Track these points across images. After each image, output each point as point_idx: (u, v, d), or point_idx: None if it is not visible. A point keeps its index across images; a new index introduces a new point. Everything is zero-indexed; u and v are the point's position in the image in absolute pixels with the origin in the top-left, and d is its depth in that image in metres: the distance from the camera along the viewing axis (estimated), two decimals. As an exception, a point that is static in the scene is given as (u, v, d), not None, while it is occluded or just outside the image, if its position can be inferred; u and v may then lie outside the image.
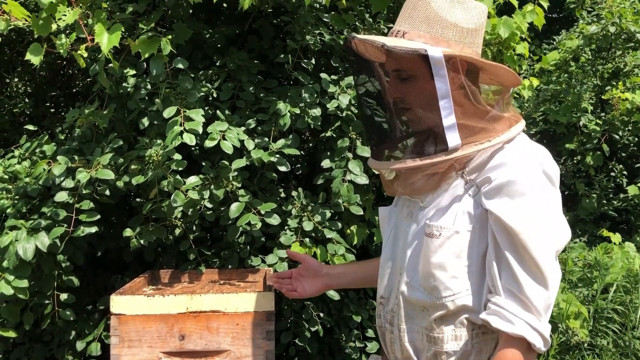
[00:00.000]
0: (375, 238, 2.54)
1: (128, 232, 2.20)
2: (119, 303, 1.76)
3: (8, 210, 2.26)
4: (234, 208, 2.18)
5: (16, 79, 3.00)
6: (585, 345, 2.98)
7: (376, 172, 1.78)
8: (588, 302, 3.24)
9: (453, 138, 1.25)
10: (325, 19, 2.64)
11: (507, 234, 1.22)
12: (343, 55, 2.70)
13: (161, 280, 2.29)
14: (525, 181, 1.21)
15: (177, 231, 2.36)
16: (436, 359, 1.37)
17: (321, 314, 2.69)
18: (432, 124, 1.27)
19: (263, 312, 1.80)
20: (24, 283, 2.05)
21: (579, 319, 2.94)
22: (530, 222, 1.20)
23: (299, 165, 2.78)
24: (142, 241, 2.19)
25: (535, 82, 2.83)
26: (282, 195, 2.64)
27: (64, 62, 3.08)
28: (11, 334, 2.19)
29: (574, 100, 4.42)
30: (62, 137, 2.52)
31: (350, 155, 2.36)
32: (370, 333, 2.90)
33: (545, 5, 2.75)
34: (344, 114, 2.41)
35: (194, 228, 2.43)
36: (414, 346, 1.40)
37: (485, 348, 1.37)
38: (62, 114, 2.99)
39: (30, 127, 2.54)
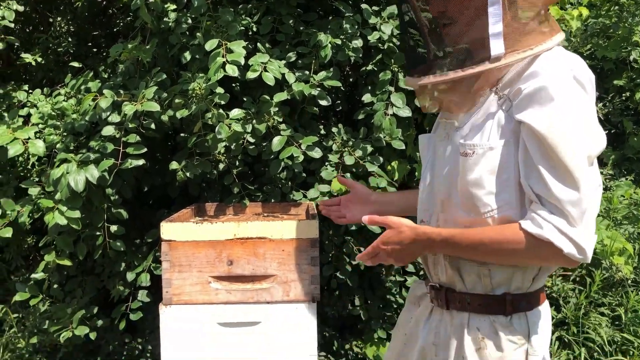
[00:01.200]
0: (416, 174, 2.54)
1: (174, 164, 2.24)
2: (168, 230, 1.82)
3: (58, 146, 2.33)
4: (276, 141, 2.19)
5: (59, 18, 3.02)
6: (629, 281, 2.95)
7: (418, 105, 1.75)
8: (633, 239, 3.20)
9: (497, 46, 1.25)
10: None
11: (537, 140, 1.21)
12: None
13: (207, 213, 2.35)
14: (555, 87, 1.20)
15: (221, 166, 2.40)
16: (481, 278, 1.39)
17: (362, 248, 2.72)
18: (478, 31, 1.26)
19: (308, 239, 1.84)
20: (76, 214, 2.12)
21: (624, 256, 2.90)
22: (559, 127, 1.19)
23: (339, 102, 2.76)
24: (187, 174, 2.24)
25: (585, 12, 2.70)
26: (323, 132, 2.64)
27: (104, 1, 3.09)
28: (66, 262, 2.29)
29: (624, 34, 4.22)
30: (106, 75, 2.55)
31: (392, 88, 2.33)
32: (410, 268, 2.93)
33: None
34: (385, 46, 2.37)
35: (237, 163, 2.46)
36: (457, 267, 1.41)
37: (527, 267, 1.38)
38: (104, 53, 3.02)
39: (75, 64, 2.58)
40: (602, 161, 4.13)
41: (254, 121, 2.22)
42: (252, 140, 2.29)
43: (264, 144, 2.35)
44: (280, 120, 2.27)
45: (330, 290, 2.89)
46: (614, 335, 2.79)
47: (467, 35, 1.28)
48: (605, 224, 3.15)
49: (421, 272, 2.93)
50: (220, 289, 1.83)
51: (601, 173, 3.82)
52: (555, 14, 2.70)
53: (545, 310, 1.43)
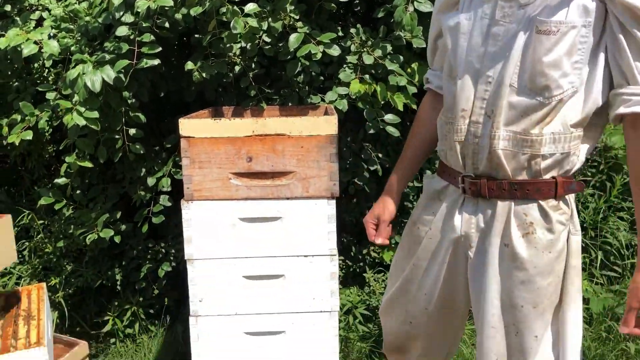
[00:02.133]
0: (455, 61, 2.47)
1: (190, 65, 2.21)
2: (187, 126, 1.81)
3: (72, 49, 2.30)
4: (293, 39, 2.14)
5: None
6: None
7: None
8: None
9: None
10: None
11: (637, 19, 1.18)
12: None
13: (224, 115, 2.33)
14: None
15: (237, 68, 2.36)
16: (529, 164, 1.37)
17: (380, 155, 2.71)
18: None
19: (326, 136, 1.82)
20: (95, 114, 2.12)
21: (645, 161, 2.87)
22: None
23: (358, 1, 2.67)
24: (203, 74, 2.20)
25: None
26: (341, 33, 2.56)
27: None
28: (87, 164, 2.31)
29: None
30: (117, -23, 2.48)
31: (413, -17, 2.23)
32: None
33: None
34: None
35: (253, 65, 2.42)
36: (506, 153, 1.39)
37: (578, 149, 1.36)
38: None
39: (85, -35, 2.50)
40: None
41: (270, 19, 2.16)
42: (268, 40, 2.24)
43: (280, 45, 2.30)
44: (297, 18, 2.20)
45: (348, 197, 2.91)
46: (631, 239, 2.80)
47: None
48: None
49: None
50: (240, 185, 1.85)
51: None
52: None
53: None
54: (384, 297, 1.92)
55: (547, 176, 1.39)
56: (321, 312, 1.93)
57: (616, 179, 2.85)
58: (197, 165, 1.82)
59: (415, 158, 1.72)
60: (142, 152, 2.37)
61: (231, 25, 2.03)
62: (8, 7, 2.53)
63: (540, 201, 1.39)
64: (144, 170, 2.57)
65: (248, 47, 2.19)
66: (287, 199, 1.86)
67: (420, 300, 1.72)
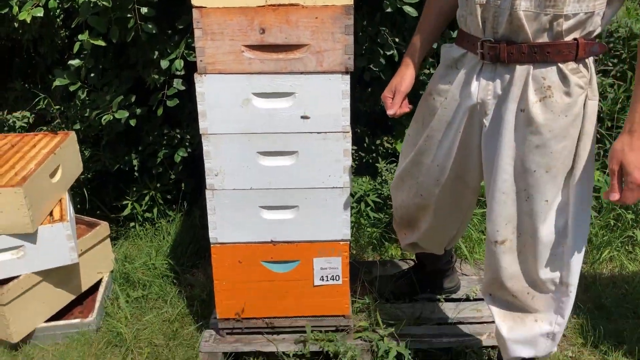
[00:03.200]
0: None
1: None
2: (199, -5, 1.77)
3: None
4: None
5: None
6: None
7: None
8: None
9: None
10: None
11: None
12: None
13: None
14: None
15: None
16: (551, 25, 1.34)
17: (396, 39, 2.65)
18: None
19: (342, 6, 1.77)
20: (105, -11, 2.08)
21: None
22: None
23: None
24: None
25: None
26: None
27: None
28: (100, 42, 2.30)
29: None
30: None
31: None
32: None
33: None
34: None
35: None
36: (527, 14, 1.36)
37: (601, 9, 1.33)
38: None
39: None
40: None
41: None
42: None
43: None
44: None
45: (363, 85, 2.88)
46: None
47: None
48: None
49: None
50: (254, 58, 1.82)
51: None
52: None
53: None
54: (396, 172, 1.94)
55: (569, 38, 1.36)
56: (334, 188, 1.96)
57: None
58: (209, 37, 1.79)
59: (437, 23, 1.71)
60: (154, 31, 2.33)
61: None
62: None
63: (559, 64, 1.39)
64: (156, 52, 2.55)
65: None
66: (301, 73, 1.84)
67: (433, 172, 1.75)
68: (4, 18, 2.67)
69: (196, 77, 1.84)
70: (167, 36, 2.60)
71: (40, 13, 2.23)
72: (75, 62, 2.49)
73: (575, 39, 1.37)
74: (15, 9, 2.41)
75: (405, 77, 1.76)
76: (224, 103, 1.86)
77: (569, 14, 1.33)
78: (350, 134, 1.91)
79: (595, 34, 1.39)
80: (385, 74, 2.72)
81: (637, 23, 2.79)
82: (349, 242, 2.03)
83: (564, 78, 1.40)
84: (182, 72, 2.54)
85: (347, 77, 1.85)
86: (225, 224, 1.99)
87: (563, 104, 1.41)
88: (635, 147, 1.27)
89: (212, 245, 2.02)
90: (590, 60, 1.42)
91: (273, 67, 1.83)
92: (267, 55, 1.82)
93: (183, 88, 2.56)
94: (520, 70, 1.42)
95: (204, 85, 1.84)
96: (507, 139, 1.49)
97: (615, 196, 1.33)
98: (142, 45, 2.50)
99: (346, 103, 1.87)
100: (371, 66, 2.70)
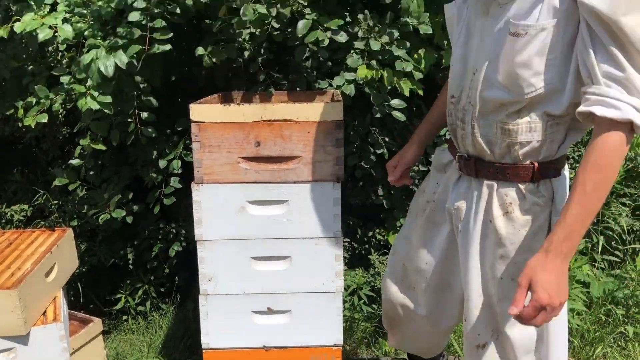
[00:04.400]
0: (443, 61, 2.51)
1: (200, 50, 2.26)
2: (197, 111, 1.87)
3: (85, 33, 2.35)
4: (301, 25, 2.18)
5: None
6: (653, 173, 2.97)
7: None
8: (661, 133, 3.17)
9: None
10: None
11: (603, 23, 1.20)
12: None
13: (234, 101, 2.39)
14: None
15: (246, 54, 2.41)
16: (509, 150, 1.44)
17: (386, 139, 2.76)
18: None
19: (332, 121, 1.87)
20: (108, 98, 2.18)
21: (650, 148, 2.90)
22: (626, 8, 1.17)
23: (366, -13, 2.69)
24: (213, 59, 2.25)
25: None
26: (348, 19, 2.59)
27: None
28: (101, 146, 2.38)
29: None
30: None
31: (420, -29, 2.26)
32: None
33: None
34: None
35: (262, 51, 2.46)
36: (487, 140, 1.46)
37: (556, 138, 1.42)
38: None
39: (98, -50, 2.54)
40: None
41: (279, 5, 2.19)
42: (276, 25, 2.28)
43: (288, 30, 2.34)
44: (305, 4, 2.24)
45: (355, 180, 2.96)
46: (633, 224, 2.84)
47: None
48: None
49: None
50: (249, 169, 1.90)
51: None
52: None
53: (566, 176, 1.54)
54: (387, 265, 1.99)
55: (527, 161, 1.46)
56: (326, 292, 1.99)
57: (620, 165, 2.88)
58: (207, 150, 1.88)
59: (439, 116, 1.82)
60: (154, 135, 2.43)
61: (241, 12, 2.07)
62: (23, -8, 2.58)
63: (518, 184, 1.48)
64: (155, 152, 2.64)
65: (257, 32, 2.23)
66: (294, 182, 1.92)
67: (422, 269, 1.80)
68: (8, 118, 2.77)
69: (193, 186, 1.91)
70: (165, 137, 2.70)
71: (44, 119, 2.33)
72: (75, 161, 2.56)
73: (532, 163, 1.45)
74: (21, 111, 2.51)
75: (409, 153, 1.86)
76: (220, 211, 1.92)
77: (523, 142, 1.43)
78: (342, 239, 1.96)
79: (553, 158, 1.47)
80: (375, 170, 2.81)
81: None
82: (341, 347, 2.04)
83: (522, 197, 1.48)
84: (180, 171, 2.62)
85: (338, 186, 1.92)
86: (218, 329, 2.01)
87: (523, 219, 1.48)
88: (547, 268, 1.28)
89: (204, 351, 2.03)
90: (554, 181, 1.49)
91: (267, 177, 1.91)
92: (262, 166, 1.90)
93: (180, 186, 2.63)
94: (488, 185, 1.52)
95: (200, 194, 1.91)
96: (476, 247, 1.56)
97: (514, 310, 1.30)
98: (141, 146, 2.59)
99: (337, 210, 1.94)
100: (362, 163, 2.79)
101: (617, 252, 2.85)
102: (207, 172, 1.90)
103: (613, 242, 2.83)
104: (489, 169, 1.50)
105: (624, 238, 2.81)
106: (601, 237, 2.81)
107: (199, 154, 1.89)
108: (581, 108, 1.27)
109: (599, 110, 1.22)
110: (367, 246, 3.11)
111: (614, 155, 1.23)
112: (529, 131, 1.41)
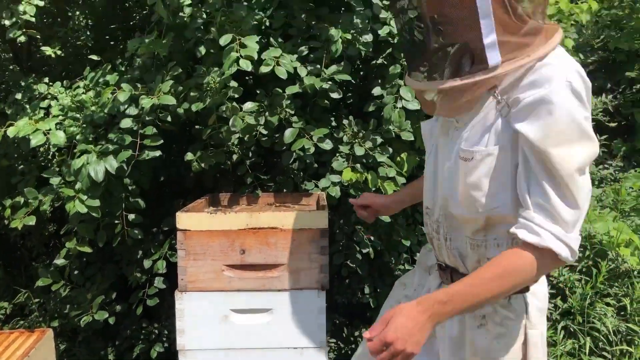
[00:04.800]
0: (425, 166, 2.58)
1: (189, 156, 2.32)
2: (184, 219, 1.90)
3: (77, 137, 2.41)
4: (288, 133, 2.26)
5: (77, 12, 3.10)
6: (635, 272, 2.99)
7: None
8: (640, 231, 3.23)
9: (493, 56, 1.26)
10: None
11: (535, 152, 1.26)
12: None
13: (221, 203, 2.42)
14: (552, 101, 1.23)
15: (235, 157, 2.47)
16: (480, 264, 1.47)
17: (372, 237, 2.79)
18: (473, 42, 1.27)
19: (317, 229, 1.90)
20: (96, 202, 2.21)
21: (630, 247, 2.94)
22: (557, 141, 1.23)
23: (350, 95, 2.82)
24: (202, 165, 2.31)
25: (595, 5, 2.73)
26: (334, 124, 2.70)
27: (121, -5, 3.16)
28: (86, 249, 2.38)
29: (637, 26, 4.22)
30: (123, 68, 2.62)
31: (401, 82, 2.37)
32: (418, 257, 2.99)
33: None
34: (395, 40, 2.42)
35: (250, 154, 2.53)
36: (459, 252, 1.50)
37: None
38: (121, 46, 3.09)
39: (94, 57, 2.65)
40: (611, 153, 4.15)
41: (267, 113, 2.28)
42: (264, 132, 2.35)
43: (276, 136, 2.42)
44: (292, 112, 2.33)
45: (341, 279, 2.96)
46: (619, 325, 2.83)
47: (465, 43, 1.29)
48: (612, 216, 3.18)
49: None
50: (233, 277, 1.91)
51: (610, 165, 3.84)
52: (565, 7, 2.73)
53: (541, 287, 1.53)
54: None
55: None
56: (310, 403, 1.95)
57: (602, 264, 2.91)
58: (191, 257, 1.89)
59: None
60: (140, 237, 2.44)
61: (230, 122, 2.15)
62: (19, 96, 2.66)
63: None
64: (140, 252, 2.64)
65: (246, 139, 2.30)
66: (278, 290, 1.92)
67: None
68: (-5, 215, 2.77)
69: (177, 294, 1.91)
70: (152, 235, 2.71)
71: (32, 222, 2.34)
72: (60, 262, 2.55)
73: None
74: (8, 211, 2.53)
75: (385, 200, 1.87)
76: (203, 320, 1.91)
77: (491, 256, 1.42)
78: (326, 349, 1.94)
79: None
80: (362, 269, 2.82)
81: (593, 223, 2.99)
82: None
83: (494, 311, 1.48)
84: (165, 271, 2.61)
85: (323, 294, 1.93)
86: None
87: (496, 332, 1.48)
88: (409, 315, 1.28)
89: None
90: (525, 295, 1.49)
91: (251, 285, 1.91)
92: (247, 274, 1.91)
93: (164, 287, 2.62)
94: None
95: (183, 302, 1.90)
96: (449, 349, 1.56)
97: (367, 334, 1.30)
98: (127, 245, 2.60)
99: (322, 319, 1.93)
100: (348, 262, 2.80)
101: (604, 354, 2.82)
102: (192, 279, 1.91)
103: (600, 343, 2.81)
104: None
105: (611, 339, 2.79)
106: (588, 338, 2.79)
107: (184, 261, 1.90)
108: (511, 229, 1.31)
109: (522, 234, 1.27)
110: (353, 346, 3.06)
111: (520, 272, 1.28)
112: (496, 247, 1.43)
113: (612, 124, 3.84)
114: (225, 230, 1.89)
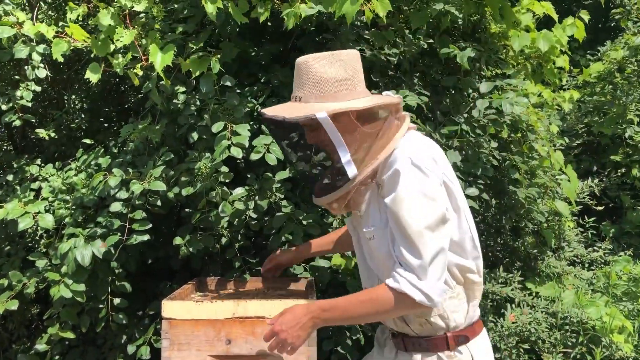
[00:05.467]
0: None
1: (178, 240, 2.31)
2: (169, 308, 1.86)
3: (66, 220, 2.41)
4: (277, 219, 2.26)
5: (73, 96, 3.17)
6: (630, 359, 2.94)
7: None
8: (633, 316, 3.19)
9: (351, 170, 1.59)
10: (366, 36, 2.71)
11: (391, 215, 1.56)
12: (383, 71, 2.77)
13: (208, 287, 2.39)
14: (398, 176, 1.55)
15: (224, 240, 2.47)
16: (422, 326, 1.68)
17: (362, 323, 2.74)
18: (336, 163, 1.64)
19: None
20: (82, 287, 2.18)
21: (624, 334, 2.90)
22: (403, 205, 1.53)
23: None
24: (190, 249, 2.30)
25: (576, 94, 2.83)
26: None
27: (117, 79, 3.25)
28: (69, 335, 2.33)
29: (619, 112, 4.36)
30: (116, 151, 2.66)
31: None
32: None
33: (586, 18, 2.76)
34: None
35: (239, 237, 2.53)
36: (403, 317, 1.70)
37: (459, 309, 1.68)
38: (115, 128, 3.15)
39: (87, 141, 2.70)
40: (600, 235, 4.18)
41: (257, 197, 2.30)
42: (254, 215, 2.36)
43: (265, 219, 2.42)
44: (282, 196, 2.35)
45: (331, 365, 2.88)
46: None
47: (331, 164, 1.70)
48: (604, 300, 3.16)
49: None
50: (219, 367, 1.86)
51: (599, 248, 3.85)
52: (549, 97, 2.83)
53: (483, 337, 1.77)
54: None
55: (440, 333, 1.68)
56: None
57: (596, 352, 2.86)
58: (176, 347, 1.84)
59: (332, 242, 2.17)
60: (125, 322, 2.39)
61: (219, 208, 2.16)
62: (10, 177, 2.67)
63: (438, 353, 1.68)
64: (125, 337, 2.57)
65: (235, 222, 2.31)
66: (265, 381, 1.86)
67: None
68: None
69: (160, 385, 1.84)
70: (137, 319, 2.65)
71: (14, 306, 2.30)
72: (41, 347, 2.48)
73: (445, 334, 1.67)
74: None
75: (284, 256, 2.18)
76: (186, 414, 1.83)
77: (429, 319, 1.66)
78: None
79: (462, 327, 1.69)
80: (352, 355, 2.75)
81: (585, 308, 2.96)
82: None
83: None
84: (149, 357, 2.53)
85: (311, 387, 1.86)
86: None
87: None
88: (296, 313, 1.62)
89: None
90: (469, 345, 1.68)
91: (237, 376, 1.86)
92: (231, 365, 1.86)
93: (147, 374, 2.53)
94: (416, 357, 1.70)
95: (167, 395, 1.83)
96: None
97: (268, 320, 1.69)
98: (110, 330, 2.54)
99: (309, 411, 1.86)
100: (338, 348, 2.74)
101: None
102: (175, 370, 1.85)
103: None
104: (412, 343, 1.71)
105: None
106: None
107: (168, 352, 1.84)
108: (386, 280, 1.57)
109: (389, 282, 1.55)
110: None
111: (385, 303, 1.55)
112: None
113: (600, 207, 3.88)
114: (211, 319, 1.85)
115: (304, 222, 2.30)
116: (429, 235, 1.53)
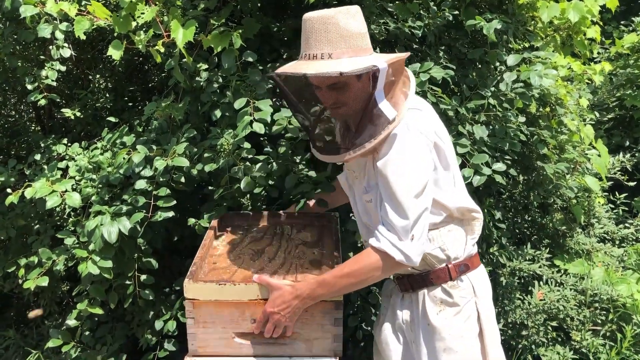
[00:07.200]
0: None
1: (191, 221, 2.31)
2: (192, 289, 1.84)
3: (93, 198, 2.43)
4: (289, 180, 2.31)
5: (97, 76, 3.19)
6: (662, 337, 2.88)
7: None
8: (666, 294, 3.12)
9: (391, 112, 1.65)
10: (389, 9, 2.66)
11: (381, 177, 1.66)
12: (408, 44, 2.71)
13: (231, 226, 2.35)
14: (394, 139, 1.64)
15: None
16: (424, 261, 1.84)
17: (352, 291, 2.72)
18: (371, 112, 1.65)
19: (332, 302, 1.83)
20: (109, 264, 2.21)
21: (655, 311, 2.84)
22: (393, 168, 1.63)
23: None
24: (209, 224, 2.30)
25: (608, 67, 2.74)
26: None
27: (141, 59, 3.25)
28: (98, 310, 2.36)
29: (652, 84, 4.23)
30: (140, 129, 2.66)
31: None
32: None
33: (619, -14, 2.65)
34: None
35: (259, 205, 2.55)
36: None
37: (457, 239, 1.85)
38: (140, 107, 3.16)
39: (112, 119, 2.71)
40: (632, 211, 4.08)
41: (274, 164, 2.29)
42: (271, 182, 2.35)
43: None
44: (297, 160, 2.37)
45: (356, 341, 2.89)
46: (647, 393, 2.71)
47: (366, 116, 1.67)
48: (635, 278, 3.09)
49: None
50: (244, 343, 1.86)
51: (631, 224, 3.76)
52: (579, 69, 2.74)
53: (482, 272, 1.94)
54: None
55: (442, 265, 1.84)
56: None
57: (626, 329, 2.81)
58: (201, 325, 1.85)
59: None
60: (151, 298, 2.42)
61: (242, 184, 2.16)
62: (38, 156, 2.71)
63: (442, 284, 1.84)
64: (152, 313, 2.61)
65: (254, 191, 2.29)
66: (290, 357, 1.87)
67: None
68: (9, 274, 2.78)
69: (187, 359, 1.87)
70: (164, 295, 2.68)
71: (45, 282, 2.33)
72: (72, 322, 2.53)
73: (446, 265, 1.83)
74: (22, 271, 2.53)
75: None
76: (214, 385, 1.85)
77: (429, 252, 1.81)
78: None
79: (462, 259, 1.85)
80: (376, 332, 2.74)
81: (616, 285, 2.90)
82: None
83: (448, 294, 1.84)
84: (176, 332, 2.57)
85: (336, 362, 1.87)
86: None
87: (453, 311, 1.84)
88: (284, 292, 1.74)
89: None
90: (470, 275, 1.86)
91: (263, 351, 1.87)
92: (258, 341, 1.86)
93: (174, 349, 2.57)
94: (421, 293, 1.87)
95: (194, 369, 1.85)
96: (423, 348, 1.86)
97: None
98: (138, 306, 2.57)
99: (335, 386, 1.86)
100: (363, 325, 2.74)
101: None
102: (202, 345, 1.86)
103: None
104: (417, 281, 1.86)
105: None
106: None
107: (193, 329, 1.85)
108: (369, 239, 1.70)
109: (370, 240, 1.68)
110: (368, 412, 2.95)
111: (368, 269, 1.67)
112: (429, 242, 1.79)
113: (632, 183, 3.78)
114: (235, 301, 1.84)
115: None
116: (414, 200, 1.63)
